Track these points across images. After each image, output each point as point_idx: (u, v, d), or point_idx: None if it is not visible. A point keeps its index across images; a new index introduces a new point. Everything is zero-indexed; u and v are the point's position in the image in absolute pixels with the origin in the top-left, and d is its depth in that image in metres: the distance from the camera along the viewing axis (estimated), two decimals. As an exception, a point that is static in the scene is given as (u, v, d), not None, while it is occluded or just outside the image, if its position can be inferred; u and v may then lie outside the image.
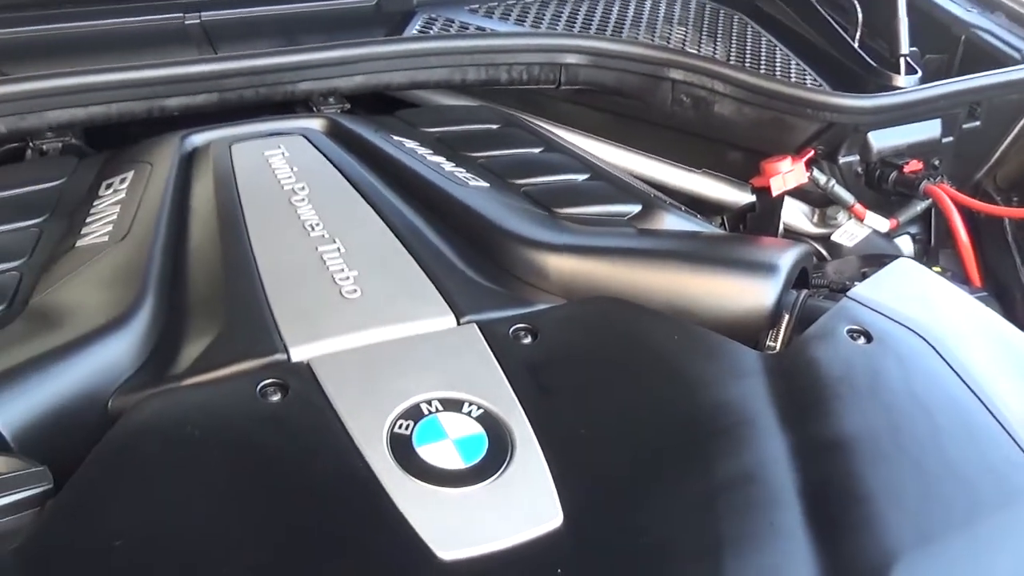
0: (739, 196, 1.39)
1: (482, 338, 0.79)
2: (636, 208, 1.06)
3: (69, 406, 0.75)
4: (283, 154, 1.03)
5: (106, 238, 0.90)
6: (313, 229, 0.91)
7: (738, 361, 0.81)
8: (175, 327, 0.82)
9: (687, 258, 0.93)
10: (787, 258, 0.92)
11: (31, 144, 1.18)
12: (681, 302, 0.88)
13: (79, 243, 0.91)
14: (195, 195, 0.97)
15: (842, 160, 1.37)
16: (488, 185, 1.05)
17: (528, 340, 0.79)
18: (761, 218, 1.35)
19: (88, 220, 0.95)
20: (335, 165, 1.02)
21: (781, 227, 1.35)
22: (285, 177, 0.99)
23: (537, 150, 1.17)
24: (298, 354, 0.77)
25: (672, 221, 1.06)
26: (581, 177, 1.12)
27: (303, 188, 0.97)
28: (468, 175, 1.06)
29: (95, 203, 0.98)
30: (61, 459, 0.69)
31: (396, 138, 1.11)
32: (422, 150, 1.10)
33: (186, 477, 0.67)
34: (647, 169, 1.41)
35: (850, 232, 1.38)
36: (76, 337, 0.77)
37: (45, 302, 0.83)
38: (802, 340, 0.84)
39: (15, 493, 0.66)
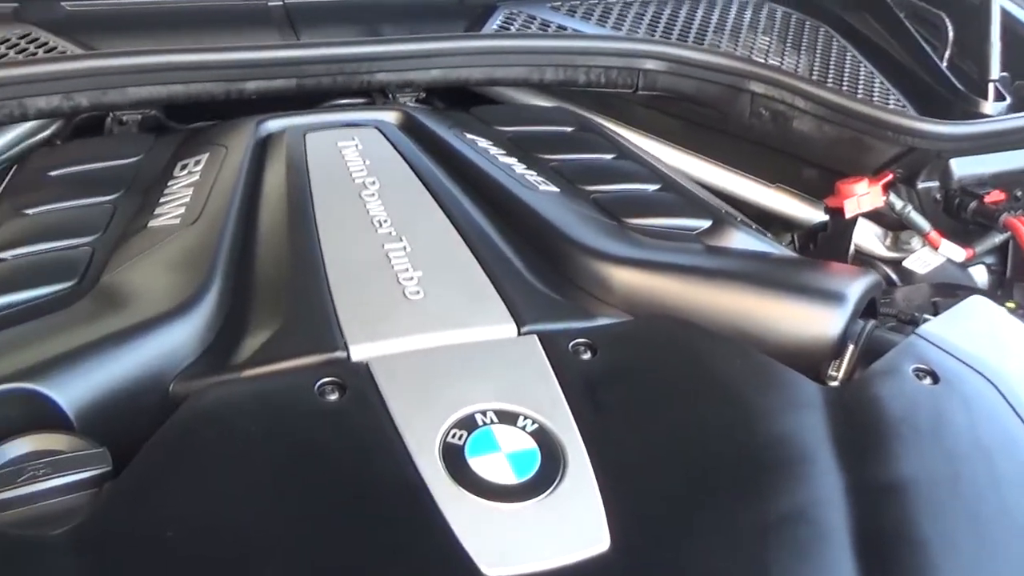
0: (811, 214, 1.37)
1: (541, 350, 0.79)
2: (706, 223, 1.05)
3: (132, 389, 0.76)
4: (356, 146, 1.04)
5: (178, 220, 0.92)
6: (381, 225, 0.92)
7: (799, 393, 0.80)
8: (239, 315, 0.83)
9: (754, 281, 0.92)
10: (856, 288, 0.91)
11: (111, 114, 1.21)
12: (745, 325, 0.88)
13: (151, 223, 0.93)
14: (267, 182, 0.98)
15: (921, 186, 1.34)
16: (558, 190, 1.04)
17: (587, 356, 0.79)
18: (832, 239, 1.33)
19: (162, 200, 0.96)
20: (407, 160, 1.02)
21: (852, 249, 1.33)
22: (357, 170, 1.00)
23: (609, 156, 1.16)
24: (358, 352, 0.78)
25: (741, 239, 1.05)
26: (652, 187, 1.11)
27: (374, 182, 0.98)
28: (538, 179, 1.06)
29: (170, 183, 1.00)
30: (121, 441, 0.71)
31: (469, 136, 1.11)
32: (494, 150, 1.10)
33: (241, 471, 0.68)
34: (720, 180, 1.39)
35: (923, 259, 1.35)
36: (142, 320, 0.79)
37: (114, 281, 0.85)
38: (866, 376, 0.82)
39: (74, 473, 0.67)
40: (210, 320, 0.82)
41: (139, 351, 0.78)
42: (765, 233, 1.14)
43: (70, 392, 0.73)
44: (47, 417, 0.72)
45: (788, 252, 1.09)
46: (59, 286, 0.87)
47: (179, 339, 0.80)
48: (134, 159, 1.06)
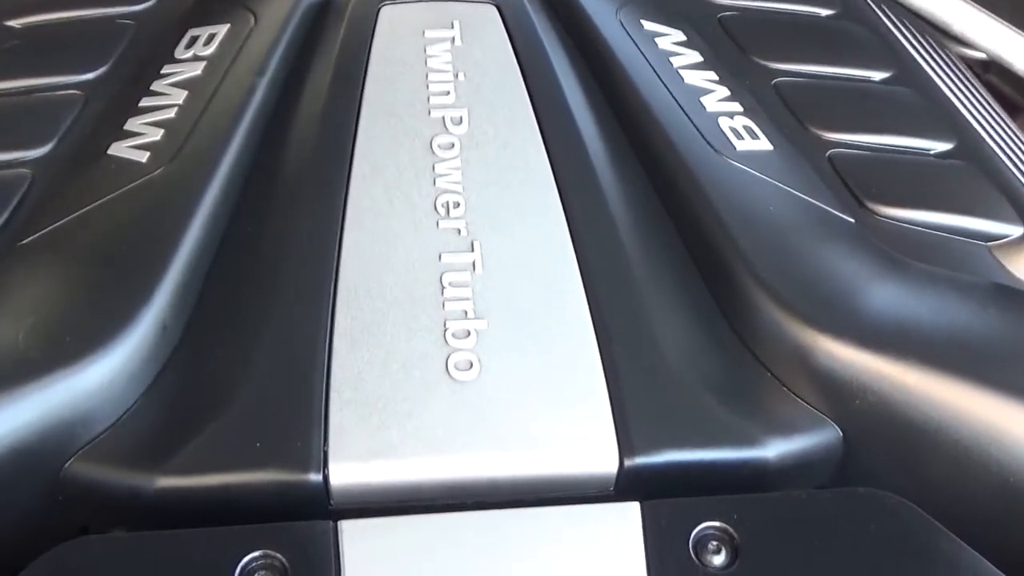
0: None
1: (640, 538, 0.51)
2: (1014, 230, 0.70)
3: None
4: (453, 39, 0.73)
5: (145, 157, 0.66)
6: (449, 212, 0.63)
7: None
8: (192, 352, 0.58)
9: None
10: None
11: None
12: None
13: (113, 148, 0.67)
14: (302, 93, 0.70)
15: None
16: (771, 147, 0.71)
17: (720, 560, 0.51)
18: None
19: (143, 103, 0.70)
20: (528, 80, 0.70)
21: None
22: (440, 93, 0.69)
23: (879, 76, 0.80)
24: (340, 476, 0.52)
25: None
26: (939, 147, 0.75)
27: (461, 120, 0.68)
28: (743, 119, 0.72)
29: (163, 70, 0.73)
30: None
31: (648, 25, 0.77)
32: (683, 55, 0.76)
33: None
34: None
35: None
36: (32, 361, 0.56)
37: (22, 262, 0.61)
38: None
39: None
40: (139, 368, 0.57)
41: (16, 416, 0.55)
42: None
43: None
44: None
45: None
46: None
47: (85, 400, 0.56)
48: (136, 8, 0.79)
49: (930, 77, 0.82)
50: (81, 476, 0.55)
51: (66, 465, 0.55)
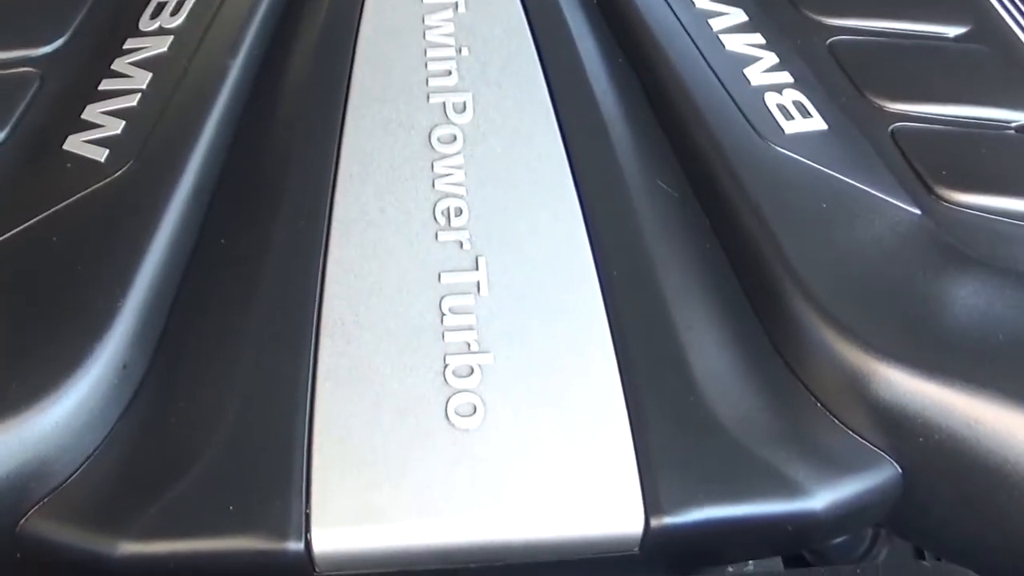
0: None
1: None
2: None
3: None
4: (456, 6, 0.66)
5: (104, 156, 0.61)
6: (450, 221, 0.58)
7: None
8: (150, 399, 0.54)
9: None
10: None
11: None
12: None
13: (69, 143, 0.62)
14: (283, 79, 0.64)
15: None
16: (824, 126, 0.65)
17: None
18: None
19: (103, 84, 0.65)
20: (543, 58, 0.64)
21: None
22: (440, 72, 0.63)
23: (953, 31, 0.73)
24: (324, 542, 0.49)
25: None
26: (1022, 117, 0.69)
27: (464, 107, 0.62)
28: (793, 93, 0.66)
29: (126, 44, 0.67)
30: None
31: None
32: (727, 14, 0.69)
33: None
34: None
35: None
36: None
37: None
38: None
39: None
40: (99, 408, 0.53)
41: None
42: None
43: None
44: None
45: None
46: None
47: (37, 448, 0.52)
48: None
49: (1013, 31, 0.75)
50: (39, 533, 0.52)
51: (22, 521, 0.52)
